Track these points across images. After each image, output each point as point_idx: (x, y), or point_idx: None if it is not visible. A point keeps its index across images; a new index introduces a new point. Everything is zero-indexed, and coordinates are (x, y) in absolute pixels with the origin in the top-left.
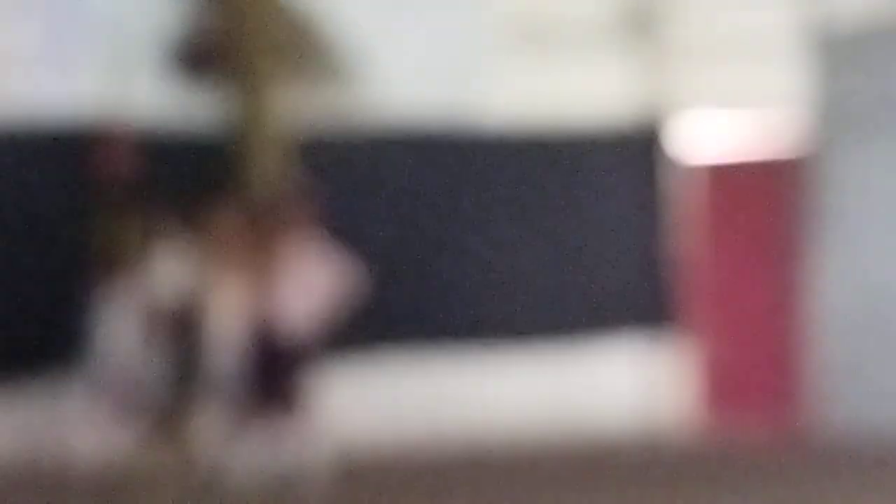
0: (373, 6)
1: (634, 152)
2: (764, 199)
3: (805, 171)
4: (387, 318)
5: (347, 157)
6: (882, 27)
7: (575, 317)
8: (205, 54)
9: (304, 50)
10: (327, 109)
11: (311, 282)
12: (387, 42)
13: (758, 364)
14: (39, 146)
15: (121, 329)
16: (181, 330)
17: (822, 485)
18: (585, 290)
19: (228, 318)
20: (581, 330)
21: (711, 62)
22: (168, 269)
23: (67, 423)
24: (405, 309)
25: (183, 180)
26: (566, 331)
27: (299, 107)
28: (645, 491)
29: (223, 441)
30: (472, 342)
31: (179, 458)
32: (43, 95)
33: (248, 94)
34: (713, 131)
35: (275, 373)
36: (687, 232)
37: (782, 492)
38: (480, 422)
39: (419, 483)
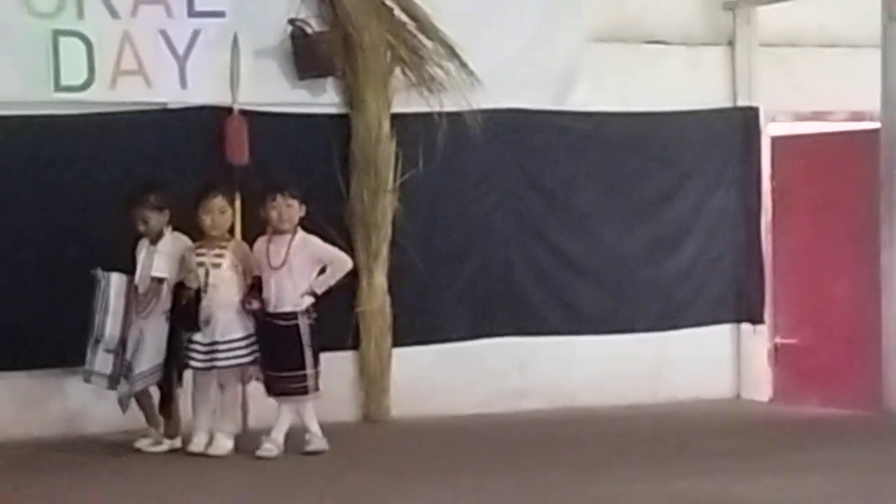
0: (468, 9)
1: (731, 128)
2: (847, 173)
3: (885, 149)
4: (482, 304)
5: (443, 141)
6: None
7: (674, 301)
8: (318, 50)
9: (407, 47)
10: (430, 101)
11: (298, 257)
12: (482, 42)
13: (834, 347)
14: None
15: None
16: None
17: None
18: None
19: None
20: (678, 314)
21: (793, 47)
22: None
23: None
24: (501, 297)
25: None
26: (665, 313)
27: (398, 98)
28: (727, 447)
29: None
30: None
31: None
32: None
33: (356, 86)
34: (799, 108)
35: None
36: (772, 206)
37: (856, 452)
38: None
39: (547, 443)
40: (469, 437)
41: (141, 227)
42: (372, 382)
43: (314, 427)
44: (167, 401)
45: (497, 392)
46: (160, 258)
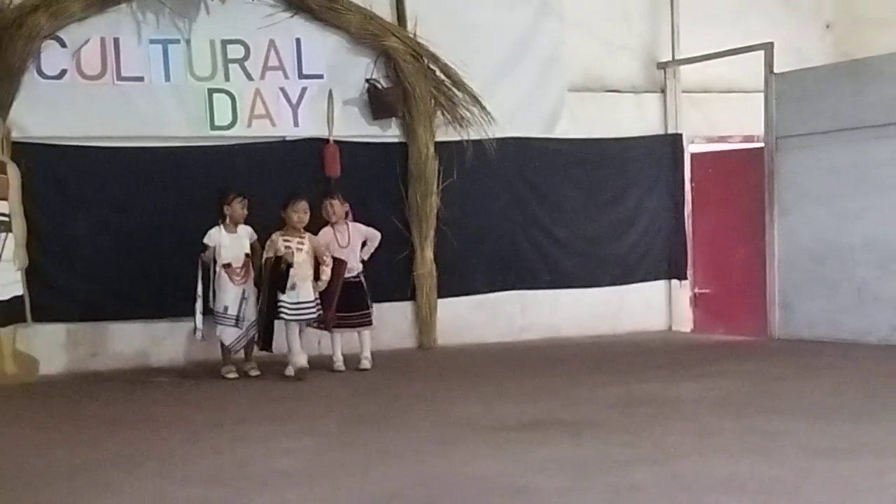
0: (486, 70)
1: (664, 148)
2: (742, 178)
3: (767, 160)
4: (497, 269)
5: (470, 160)
6: (817, 68)
7: (627, 265)
8: (385, 99)
9: (445, 97)
10: (460, 132)
11: (355, 237)
12: (496, 92)
13: (735, 294)
14: (288, 152)
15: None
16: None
17: (777, 361)
18: (634, 247)
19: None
20: (629, 274)
21: (705, 93)
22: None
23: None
24: (510, 264)
25: (366, 178)
26: (620, 273)
27: (439, 131)
28: (663, 362)
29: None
30: (553, 286)
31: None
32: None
33: (411, 123)
34: (709, 133)
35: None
36: (691, 200)
37: (750, 364)
38: (561, 329)
39: (542, 362)
40: (490, 357)
41: (239, 216)
42: (424, 322)
43: (368, 352)
44: (270, 338)
45: (508, 328)
46: (247, 241)
